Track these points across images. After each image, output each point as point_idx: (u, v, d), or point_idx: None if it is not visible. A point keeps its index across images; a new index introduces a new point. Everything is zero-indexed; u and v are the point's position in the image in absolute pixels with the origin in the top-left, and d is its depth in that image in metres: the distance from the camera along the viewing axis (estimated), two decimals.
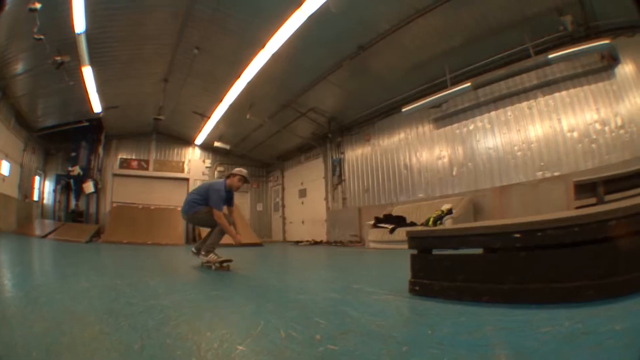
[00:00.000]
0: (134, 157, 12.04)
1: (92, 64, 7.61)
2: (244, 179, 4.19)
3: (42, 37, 6.28)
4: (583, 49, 6.05)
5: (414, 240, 2.41)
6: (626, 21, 6.11)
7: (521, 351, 1.23)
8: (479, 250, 2.15)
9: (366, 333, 1.49)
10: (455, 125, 7.55)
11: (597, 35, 6.39)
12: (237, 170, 4.24)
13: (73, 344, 1.34)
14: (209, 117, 10.53)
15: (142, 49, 7.92)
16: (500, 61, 6.63)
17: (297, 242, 10.67)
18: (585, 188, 5.30)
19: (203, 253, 3.99)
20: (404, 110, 7.74)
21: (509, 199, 6.45)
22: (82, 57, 7.31)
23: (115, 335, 1.43)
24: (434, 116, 7.95)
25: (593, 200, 5.11)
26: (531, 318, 1.59)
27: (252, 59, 7.39)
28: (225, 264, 3.89)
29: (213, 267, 3.89)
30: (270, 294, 2.50)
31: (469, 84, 6.66)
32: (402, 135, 8.75)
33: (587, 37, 6.33)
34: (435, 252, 2.31)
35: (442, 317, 1.77)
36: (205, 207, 3.99)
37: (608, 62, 6.40)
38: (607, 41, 6.17)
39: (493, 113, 6.97)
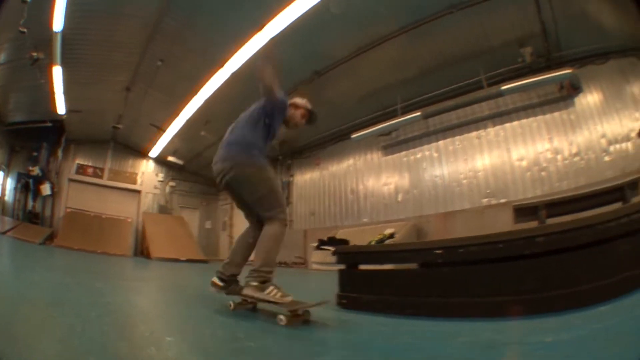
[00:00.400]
0: (90, 164, 11.89)
1: (63, 63, 7.68)
2: (309, 116, 2.61)
3: (25, 30, 6.27)
4: (540, 79, 6.23)
5: (342, 255, 2.53)
6: (598, 48, 6.35)
7: (434, 356, 1.29)
8: (413, 266, 2.20)
9: (287, 334, 1.66)
10: (404, 153, 7.71)
11: (559, 65, 6.59)
12: (301, 101, 2.61)
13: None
14: (165, 130, 10.58)
15: (111, 56, 8.06)
16: (452, 92, 6.79)
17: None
18: (526, 212, 5.29)
19: (254, 283, 2.11)
20: (353, 136, 7.90)
21: (453, 224, 6.48)
22: (55, 56, 7.36)
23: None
24: (383, 143, 8.10)
25: (535, 223, 5.07)
26: (451, 329, 1.63)
27: (211, 76, 7.52)
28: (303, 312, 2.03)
29: (282, 320, 1.87)
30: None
31: (419, 114, 6.82)
32: (350, 161, 8.91)
33: (548, 68, 6.51)
34: (365, 267, 2.39)
35: (363, 326, 1.84)
36: (257, 157, 2.27)
37: (567, 92, 6.59)
38: (568, 71, 6.39)
39: (441, 142, 7.13)
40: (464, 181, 6.68)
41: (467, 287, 1.88)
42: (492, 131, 6.59)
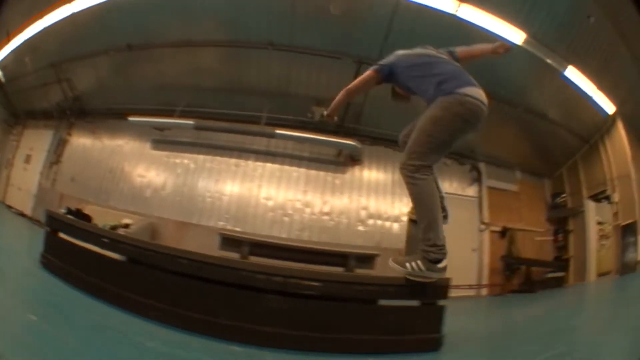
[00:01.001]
0: None
1: None
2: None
3: None
4: (320, 139, 6.84)
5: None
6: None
7: None
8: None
9: None
10: (166, 153, 7.73)
11: (348, 135, 7.20)
12: None
13: None
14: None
15: None
16: (231, 116, 7.06)
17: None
18: (231, 242, 5.66)
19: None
20: (131, 119, 7.78)
21: (185, 234, 6.67)
22: None
23: None
24: (154, 137, 8.01)
25: (237, 255, 5.44)
26: None
27: None
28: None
29: None
30: None
31: (192, 122, 6.99)
32: (122, 141, 8.61)
33: (335, 133, 7.03)
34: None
35: None
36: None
37: (344, 159, 7.25)
38: (352, 143, 7.05)
39: (202, 157, 7.34)
40: (208, 199, 6.99)
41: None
42: (251, 164, 7.05)
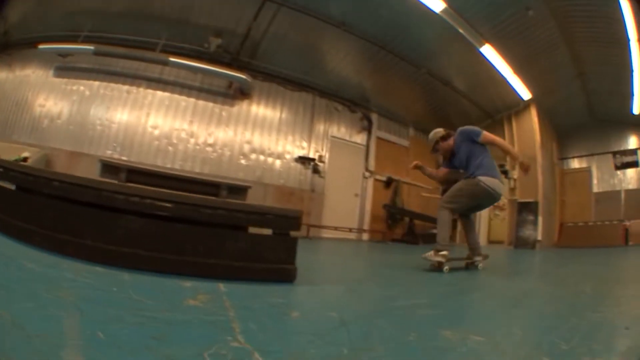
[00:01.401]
0: None
1: None
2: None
3: None
4: (212, 69, 7.53)
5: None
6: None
7: None
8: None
9: None
10: (66, 80, 7.95)
11: (242, 68, 8.03)
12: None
13: None
14: None
15: None
16: (130, 42, 7.54)
17: None
18: (111, 169, 6.00)
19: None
20: (40, 47, 7.94)
21: (76, 164, 7.02)
22: None
23: None
24: (57, 64, 8.22)
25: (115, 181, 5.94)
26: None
27: None
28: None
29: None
30: None
31: (92, 48, 7.30)
32: (29, 71, 8.79)
33: (229, 65, 7.87)
34: None
35: None
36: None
37: (234, 92, 8.04)
38: (244, 76, 7.79)
39: (97, 83, 7.67)
40: (99, 127, 7.36)
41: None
42: (142, 92, 7.54)
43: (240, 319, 1.34)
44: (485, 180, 3.62)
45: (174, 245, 2.16)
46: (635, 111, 11.33)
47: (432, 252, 3.54)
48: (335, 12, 7.42)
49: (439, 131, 4.12)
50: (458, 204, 3.71)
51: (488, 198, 3.78)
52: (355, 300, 2.12)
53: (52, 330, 1.03)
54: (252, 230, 2.38)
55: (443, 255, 3.51)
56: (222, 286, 1.92)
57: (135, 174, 5.92)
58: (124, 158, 7.09)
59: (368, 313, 1.77)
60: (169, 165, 7.35)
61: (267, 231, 2.37)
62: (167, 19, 7.36)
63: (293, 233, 2.39)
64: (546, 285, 3.47)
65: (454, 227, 4.06)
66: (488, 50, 8.35)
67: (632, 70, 9.00)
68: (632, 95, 10.50)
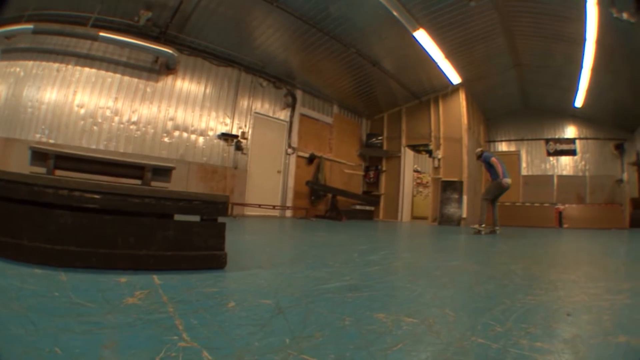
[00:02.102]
0: None
1: None
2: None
3: None
4: (141, 44, 8.67)
5: None
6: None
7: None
8: None
9: None
10: (7, 62, 8.23)
11: (168, 43, 9.26)
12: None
13: None
14: None
15: None
16: (66, 17, 8.21)
17: None
18: (40, 156, 6.48)
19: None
20: None
21: (9, 152, 7.62)
22: None
23: None
24: (4, 47, 8.37)
25: (43, 170, 6.58)
26: None
27: None
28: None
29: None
30: None
31: (31, 26, 7.80)
32: None
33: (156, 39, 9.08)
34: None
35: None
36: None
37: (160, 68, 9.37)
38: (170, 51, 9.07)
39: (31, 63, 8.17)
40: (29, 110, 7.99)
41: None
42: (71, 69, 8.35)
43: (181, 315, 1.61)
44: (505, 180, 9.00)
45: (105, 238, 2.43)
46: (578, 104, 14.61)
47: (477, 225, 8.84)
48: None
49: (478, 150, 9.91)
50: (490, 195, 9.36)
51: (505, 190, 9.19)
52: (287, 285, 2.45)
53: (20, 351, 1.17)
54: (178, 217, 2.74)
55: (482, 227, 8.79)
56: (156, 278, 2.26)
57: (63, 160, 6.52)
58: (51, 141, 7.95)
59: (302, 298, 2.09)
60: (94, 146, 8.38)
61: (195, 218, 2.75)
62: None
63: (221, 218, 2.84)
64: (474, 264, 4.13)
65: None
66: (422, 35, 10.25)
67: (581, 67, 11.56)
68: (577, 90, 13.36)
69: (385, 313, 1.86)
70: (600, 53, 10.54)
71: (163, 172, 7.25)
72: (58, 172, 6.00)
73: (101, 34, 8.29)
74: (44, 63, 8.22)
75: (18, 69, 8.07)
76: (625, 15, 8.20)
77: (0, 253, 2.37)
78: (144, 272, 2.39)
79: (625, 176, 15.38)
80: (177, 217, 2.79)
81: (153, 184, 6.34)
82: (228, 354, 1.26)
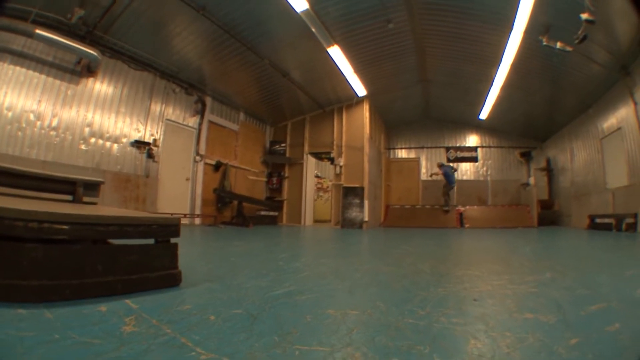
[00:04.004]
0: None
1: None
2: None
3: None
4: (67, 43, 9.51)
5: None
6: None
7: None
8: None
9: None
10: None
11: (92, 43, 10.30)
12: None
13: None
14: None
15: None
16: (9, 11, 8.64)
17: None
18: None
19: None
20: None
21: None
22: None
23: None
24: None
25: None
26: None
27: None
28: None
29: None
30: None
31: None
32: None
33: (82, 39, 10.05)
34: None
35: None
36: None
37: (82, 70, 10.37)
38: (93, 52, 10.09)
39: None
40: None
41: None
42: (5, 67, 8.98)
43: (181, 333, 2.05)
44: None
45: (75, 269, 2.77)
46: (483, 117, 18.59)
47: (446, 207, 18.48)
48: None
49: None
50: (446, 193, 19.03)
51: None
52: (243, 295, 3.08)
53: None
54: (131, 241, 3.19)
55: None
56: (130, 303, 2.68)
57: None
58: None
59: (262, 304, 2.73)
60: (17, 153, 8.92)
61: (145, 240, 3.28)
62: None
63: (173, 240, 3.41)
64: (387, 266, 5.03)
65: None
66: (335, 51, 12.41)
67: (491, 85, 14.61)
68: (484, 104, 16.96)
69: (333, 309, 2.59)
70: (515, 74, 13.27)
71: (92, 187, 7.90)
72: None
73: (37, 31, 8.96)
74: None
75: None
76: (559, 44, 10.04)
77: None
78: (114, 297, 2.81)
79: (532, 180, 19.49)
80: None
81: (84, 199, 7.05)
82: (243, 357, 1.75)
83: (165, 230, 3.46)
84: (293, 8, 10.17)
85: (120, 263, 3.07)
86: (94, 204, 7.02)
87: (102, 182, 7.89)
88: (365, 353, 1.82)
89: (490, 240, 10.40)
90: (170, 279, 3.37)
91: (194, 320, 2.35)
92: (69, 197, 6.98)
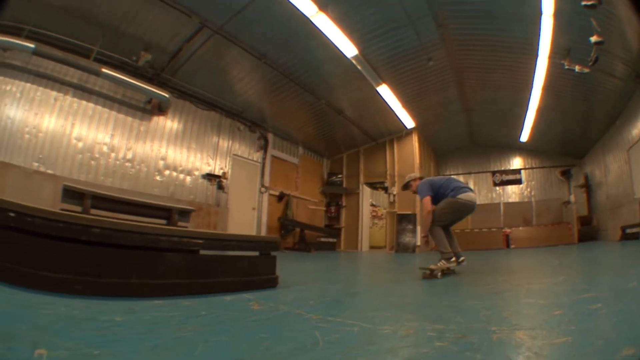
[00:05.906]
0: None
1: None
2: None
3: None
4: (138, 85, 9.39)
5: None
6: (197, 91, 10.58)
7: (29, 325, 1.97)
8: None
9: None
10: (1, 78, 8.19)
11: (162, 85, 10.23)
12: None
13: None
14: None
15: None
16: (69, 45, 8.56)
17: None
18: (73, 195, 7.26)
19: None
20: None
21: (5, 178, 7.72)
22: None
23: None
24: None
25: (78, 208, 7.05)
26: (27, 301, 2.49)
27: None
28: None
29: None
30: None
31: (33, 46, 7.81)
32: None
33: (150, 80, 9.92)
34: None
35: None
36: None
37: (152, 109, 10.27)
38: (165, 94, 9.99)
39: (34, 86, 8.35)
40: (27, 136, 8.10)
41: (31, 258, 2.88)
42: (69, 100, 8.71)
43: (294, 308, 2.89)
44: (462, 196, 5.80)
45: (202, 271, 3.54)
46: (523, 139, 17.23)
47: (443, 262, 5.43)
48: (260, 46, 10.08)
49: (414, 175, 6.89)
50: (441, 219, 5.80)
51: (467, 209, 5.90)
52: (326, 292, 4.14)
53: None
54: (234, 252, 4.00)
55: (453, 262, 5.66)
56: (247, 295, 3.37)
57: (99, 200, 7.52)
58: (50, 172, 8.22)
59: (342, 297, 3.73)
60: (91, 181, 8.73)
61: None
62: (107, 24, 8.57)
63: (272, 253, 4.19)
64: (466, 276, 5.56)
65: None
66: (384, 89, 12.26)
67: (527, 109, 13.83)
68: (523, 127, 15.85)
69: (394, 298, 3.65)
70: (547, 96, 12.63)
71: (185, 214, 8.92)
72: (93, 211, 7.02)
73: (104, 70, 8.77)
74: (41, 88, 8.42)
75: (14, 89, 8.12)
76: (577, 68, 9.61)
77: (107, 292, 2.93)
78: (232, 293, 3.44)
79: (572, 198, 17.77)
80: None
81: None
82: (341, 318, 2.48)
83: (268, 246, 4.27)
84: (344, 54, 10.26)
85: (237, 268, 3.83)
86: (186, 227, 8.16)
87: (194, 210, 8.70)
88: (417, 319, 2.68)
89: (528, 257, 10.36)
90: (271, 282, 4.07)
91: (298, 303, 3.23)
92: (163, 222, 8.19)
